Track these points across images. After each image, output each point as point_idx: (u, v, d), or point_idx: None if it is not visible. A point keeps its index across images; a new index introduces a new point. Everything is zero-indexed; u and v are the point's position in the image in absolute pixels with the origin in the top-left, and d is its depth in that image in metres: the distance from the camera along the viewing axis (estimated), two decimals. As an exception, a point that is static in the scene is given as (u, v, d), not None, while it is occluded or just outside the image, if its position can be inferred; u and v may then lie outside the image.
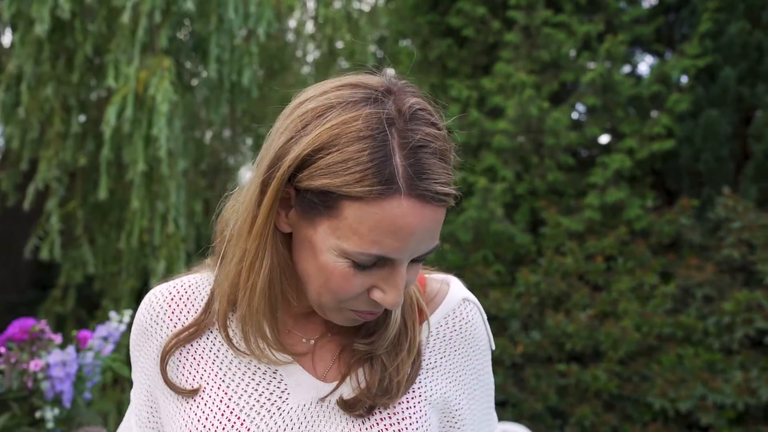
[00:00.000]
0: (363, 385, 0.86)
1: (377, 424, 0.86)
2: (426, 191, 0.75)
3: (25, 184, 4.92)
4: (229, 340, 0.87)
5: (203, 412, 0.86)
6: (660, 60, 6.69)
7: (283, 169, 0.77)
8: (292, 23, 7.81)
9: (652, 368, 5.47)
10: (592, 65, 6.36)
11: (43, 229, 4.66)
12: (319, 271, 0.79)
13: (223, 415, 0.85)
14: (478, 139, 6.33)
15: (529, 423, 5.57)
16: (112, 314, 2.13)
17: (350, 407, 0.85)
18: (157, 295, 0.93)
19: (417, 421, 0.87)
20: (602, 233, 6.03)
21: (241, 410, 0.86)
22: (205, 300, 0.92)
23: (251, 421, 0.85)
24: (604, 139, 6.84)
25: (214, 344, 0.89)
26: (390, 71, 0.82)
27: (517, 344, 5.78)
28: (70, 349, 1.94)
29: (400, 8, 7.11)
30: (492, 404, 1.01)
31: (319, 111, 0.78)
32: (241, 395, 0.86)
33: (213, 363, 0.88)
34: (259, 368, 0.87)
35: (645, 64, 7.04)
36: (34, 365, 1.83)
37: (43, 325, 1.99)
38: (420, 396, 0.89)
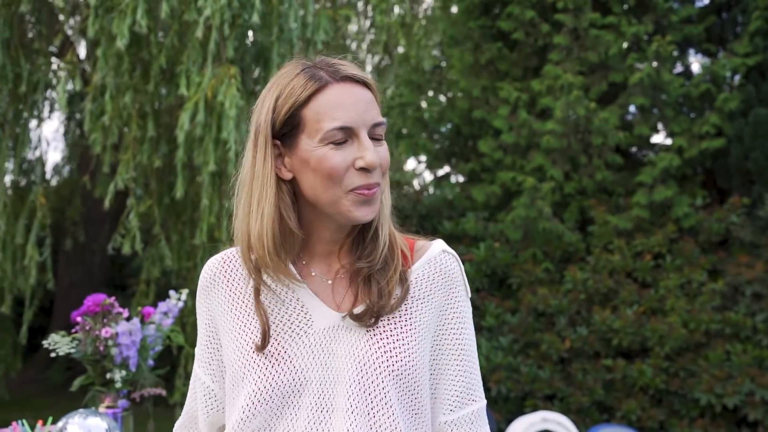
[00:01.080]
0: (367, 300, 1.12)
1: (380, 333, 1.12)
2: (346, 74, 1.10)
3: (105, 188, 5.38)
4: (266, 284, 1.15)
5: (252, 340, 1.14)
6: (711, 59, 6.72)
7: (264, 124, 1.10)
8: (354, 28, 8.14)
9: (699, 364, 5.53)
10: (642, 66, 6.44)
11: (124, 227, 5.10)
12: (316, 171, 1.08)
13: (265, 339, 1.13)
14: (527, 140, 6.49)
15: (576, 417, 5.71)
16: (172, 292, 2.45)
17: (360, 318, 1.11)
18: (213, 262, 1.23)
19: (410, 335, 1.13)
20: (651, 231, 6.11)
21: (278, 335, 1.13)
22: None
23: (285, 342, 1.12)
24: (656, 138, 6.90)
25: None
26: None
27: (564, 339, 5.93)
28: (135, 320, 2.26)
29: (453, 14, 7.33)
30: (475, 363, 1.22)
31: (269, 86, 1.14)
32: (278, 324, 1.14)
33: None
34: (291, 304, 1.14)
35: (697, 64, 7.06)
36: (104, 332, 2.15)
37: (112, 300, 2.32)
38: (410, 319, 1.15)
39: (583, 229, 6.52)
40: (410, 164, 9.17)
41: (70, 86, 5.49)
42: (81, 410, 2.13)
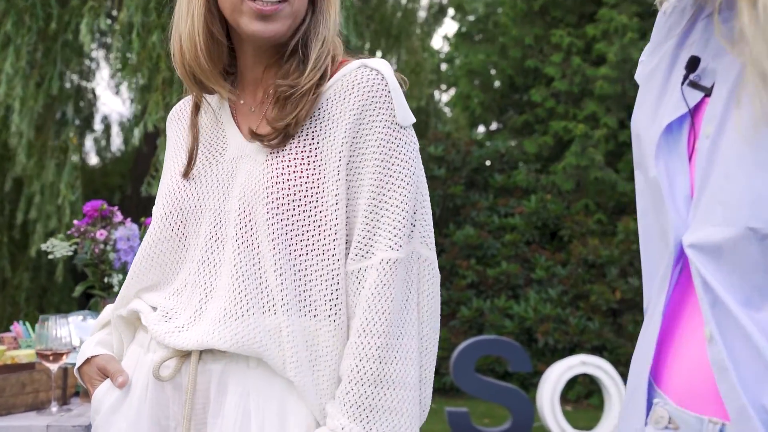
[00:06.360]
0: (273, 121, 1.07)
1: (277, 162, 1.05)
2: None
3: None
4: (200, 106, 1.20)
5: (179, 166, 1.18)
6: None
7: None
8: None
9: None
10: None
11: (154, 168, 5.20)
12: None
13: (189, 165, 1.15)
14: (580, 87, 6.28)
15: (626, 369, 5.53)
16: (173, 204, 2.47)
17: (260, 138, 1.06)
18: (174, 106, 1.31)
19: (308, 163, 1.05)
20: (710, 180, 5.83)
21: (198, 162, 1.15)
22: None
23: (200, 170, 1.14)
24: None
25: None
26: None
27: (615, 291, 5.74)
28: (133, 225, 2.29)
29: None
30: (399, 205, 1.05)
31: None
32: (201, 151, 1.16)
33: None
34: (216, 131, 1.16)
35: None
36: (99, 234, 2.18)
37: (114, 208, 2.35)
38: (313, 144, 1.06)
39: (639, 179, 6.28)
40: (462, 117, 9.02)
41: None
42: (79, 311, 2.18)
